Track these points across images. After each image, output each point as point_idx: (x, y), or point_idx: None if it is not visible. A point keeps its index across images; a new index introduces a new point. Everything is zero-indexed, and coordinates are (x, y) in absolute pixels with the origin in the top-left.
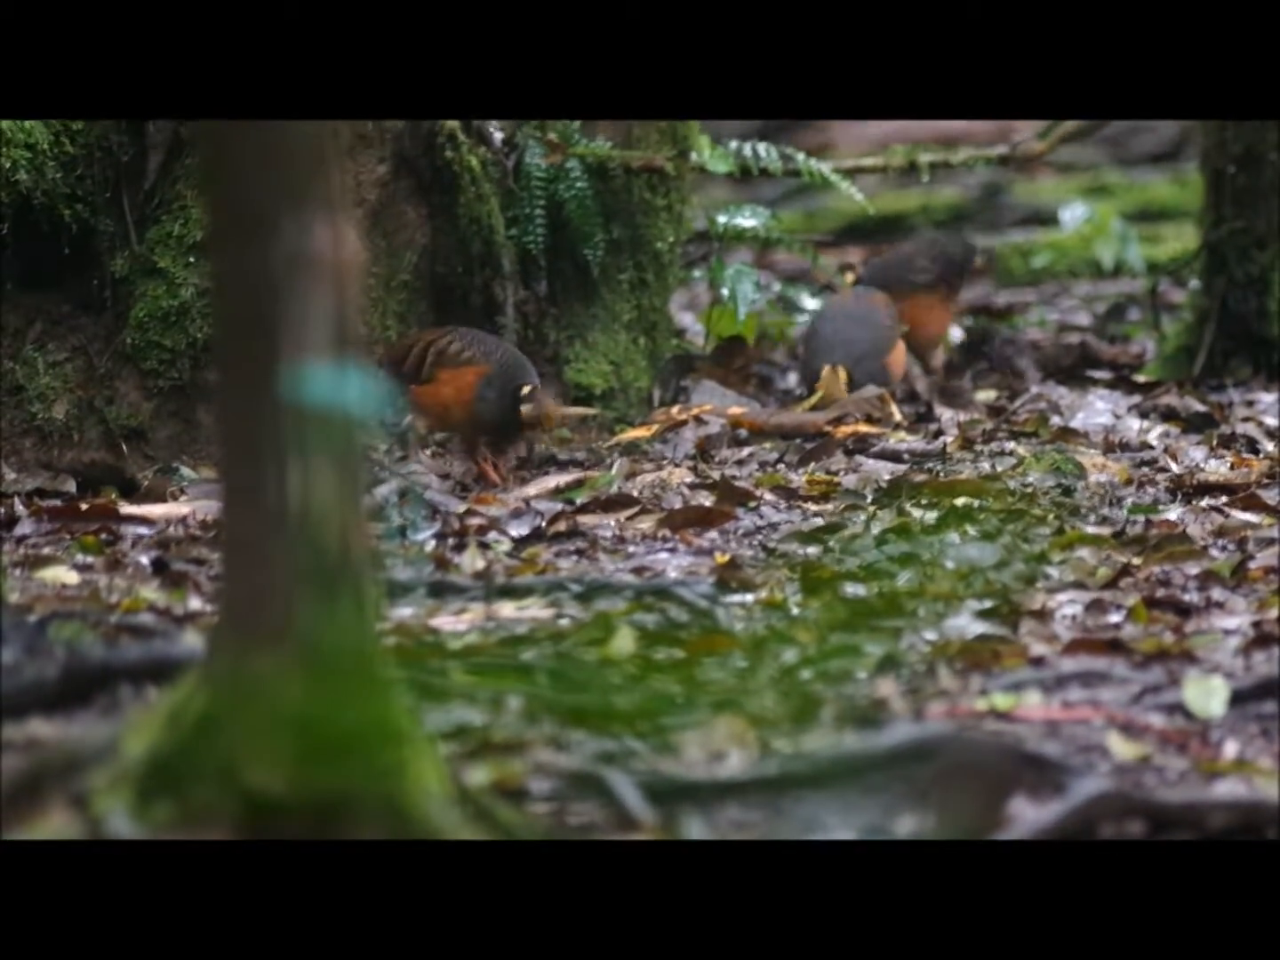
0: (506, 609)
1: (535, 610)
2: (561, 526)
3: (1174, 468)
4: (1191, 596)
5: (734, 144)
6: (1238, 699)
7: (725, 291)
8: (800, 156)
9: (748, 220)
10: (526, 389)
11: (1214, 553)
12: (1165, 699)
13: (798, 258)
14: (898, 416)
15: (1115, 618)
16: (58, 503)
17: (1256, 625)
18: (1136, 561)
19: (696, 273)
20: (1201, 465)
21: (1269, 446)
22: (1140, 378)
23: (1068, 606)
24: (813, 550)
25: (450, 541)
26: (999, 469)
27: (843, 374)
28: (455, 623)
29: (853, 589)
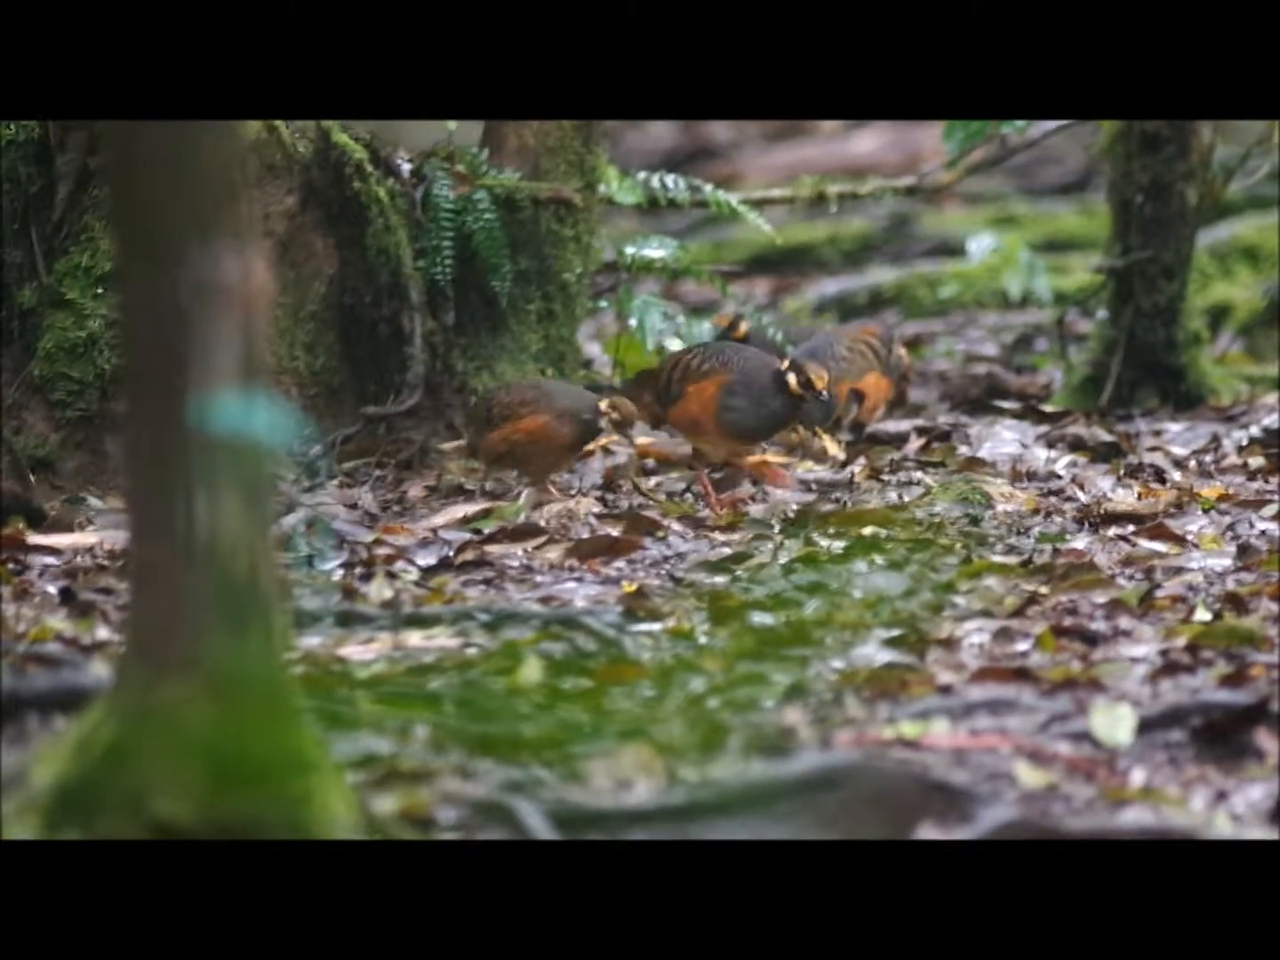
0: (414, 638)
1: (443, 639)
2: (469, 556)
3: (1081, 497)
4: (1099, 625)
5: (642, 175)
6: (1145, 727)
7: (633, 322)
8: (708, 188)
9: (655, 251)
10: (784, 365)
11: (1121, 581)
12: (1072, 727)
13: (706, 288)
14: (833, 450)
15: (1022, 646)
16: None
17: (1164, 654)
18: (1044, 590)
19: (604, 303)
20: (1109, 495)
21: (1176, 476)
22: (1047, 408)
23: (975, 635)
24: (720, 579)
25: (358, 571)
26: (906, 499)
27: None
28: (363, 652)
29: (760, 618)
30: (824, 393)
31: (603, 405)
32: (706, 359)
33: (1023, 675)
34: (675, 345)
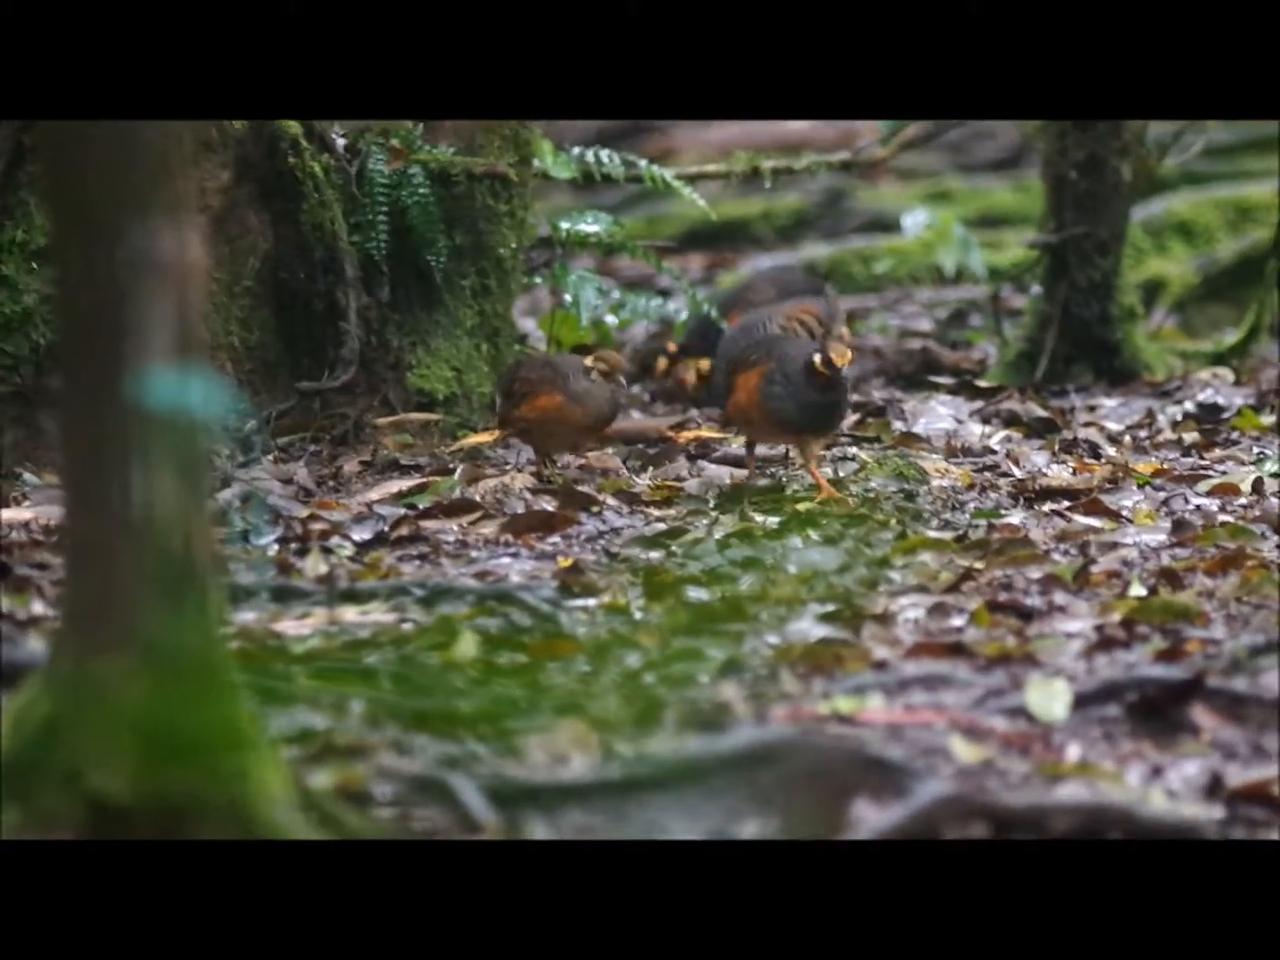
0: (349, 613)
1: (378, 614)
2: (404, 531)
3: (1016, 473)
4: (1034, 600)
5: (576, 150)
6: (1080, 702)
7: (568, 297)
8: (643, 163)
9: (590, 226)
10: (816, 357)
11: (1056, 557)
12: (1007, 702)
13: (640, 264)
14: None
15: (957, 621)
16: None
17: (1099, 629)
18: (979, 566)
19: (539, 279)
20: (1043, 470)
21: (1110, 451)
22: (982, 383)
23: (910, 610)
24: (655, 555)
25: (293, 546)
26: (841, 474)
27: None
28: (298, 627)
29: (695, 593)
30: (843, 369)
31: (588, 361)
32: (754, 350)
33: (958, 650)
34: (610, 320)
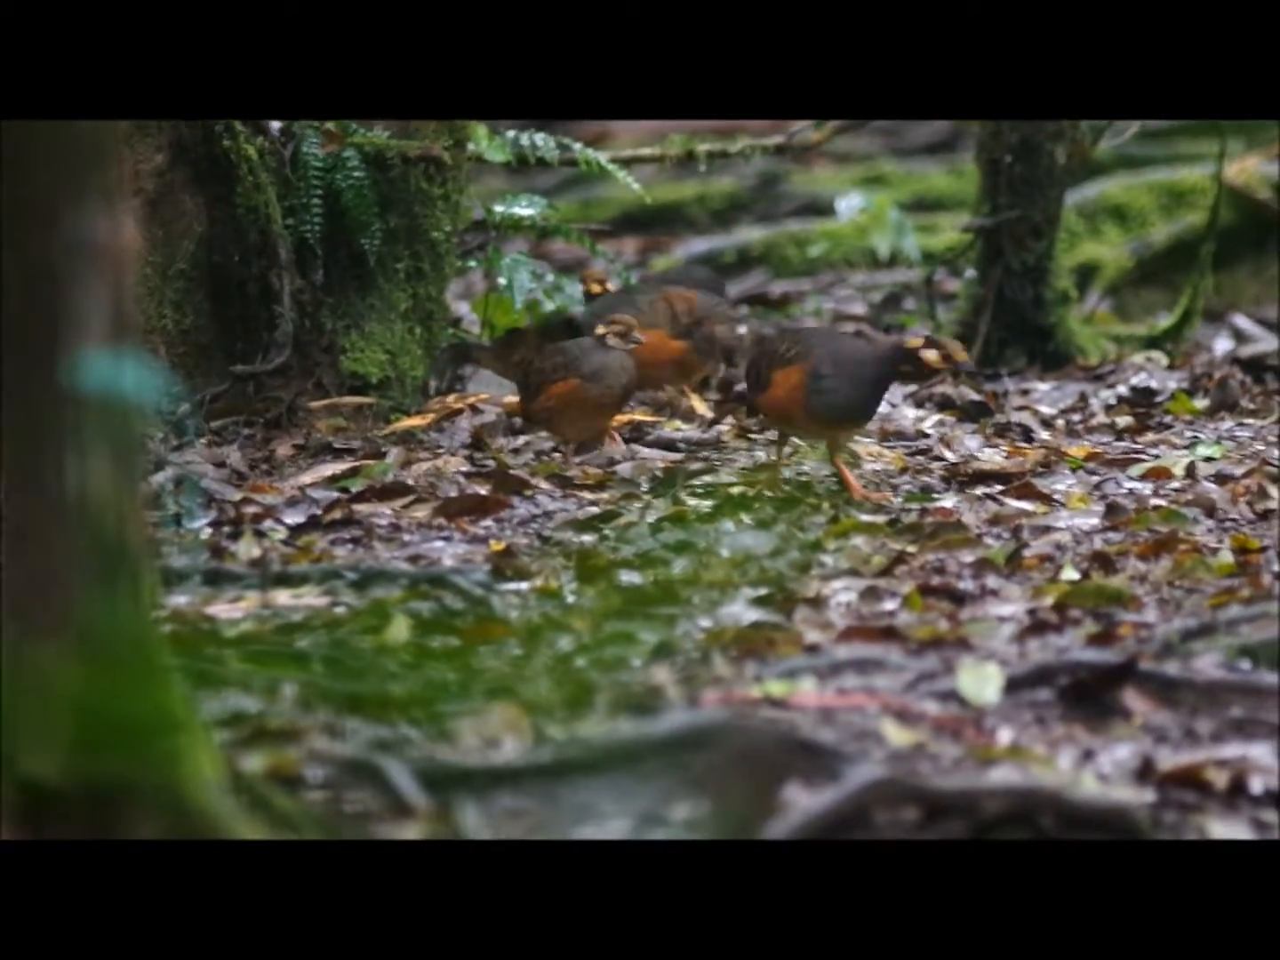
0: (282, 596)
1: (311, 598)
2: (337, 515)
3: (949, 456)
4: (966, 584)
5: (511, 133)
6: (1012, 686)
7: (502, 281)
8: (577, 146)
9: (524, 210)
10: (916, 343)
11: (989, 541)
12: (939, 686)
13: (575, 247)
14: (701, 409)
15: (890, 605)
16: None
17: (1031, 613)
18: (911, 549)
19: (473, 262)
20: (976, 454)
21: (1044, 435)
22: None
23: (842, 594)
24: (588, 538)
25: (226, 529)
26: (775, 458)
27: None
28: (231, 610)
29: (628, 577)
30: (968, 363)
31: (600, 329)
32: (791, 345)
33: (890, 634)
34: (548, 306)
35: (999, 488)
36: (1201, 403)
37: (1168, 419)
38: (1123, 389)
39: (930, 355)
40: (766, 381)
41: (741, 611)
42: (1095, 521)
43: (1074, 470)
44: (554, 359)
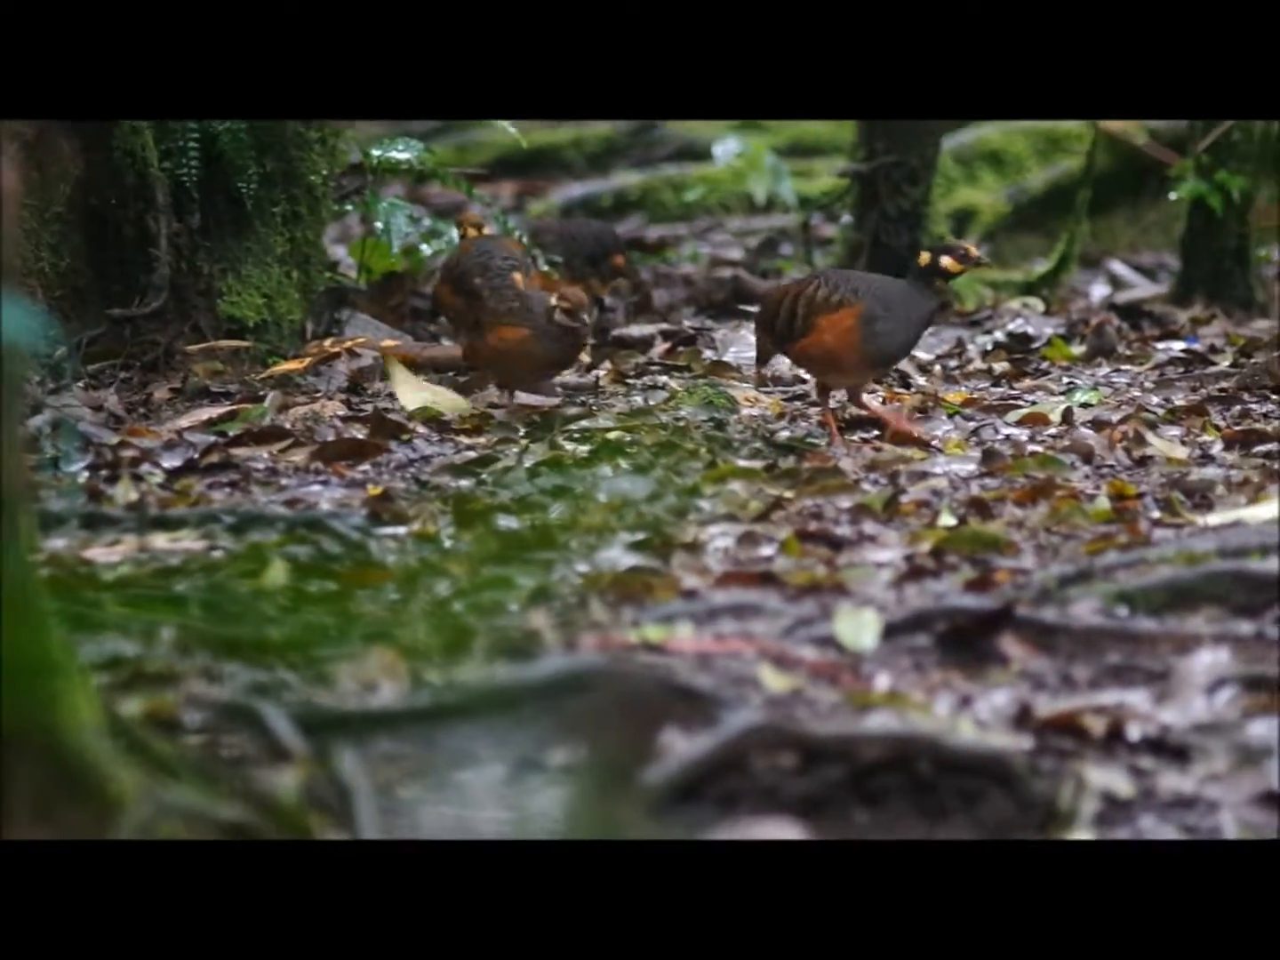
0: (159, 540)
1: (188, 542)
2: (214, 459)
3: None
4: (843, 530)
5: None
6: (889, 632)
7: (379, 225)
8: None
9: (401, 154)
10: (926, 258)
11: (866, 486)
12: (817, 631)
13: (451, 191)
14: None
15: (767, 550)
16: None
17: (908, 559)
18: (788, 495)
19: (350, 206)
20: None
21: (920, 381)
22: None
23: (719, 539)
24: (465, 483)
25: (103, 473)
26: (651, 403)
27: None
28: (108, 554)
29: (505, 521)
30: (983, 255)
31: (552, 299)
32: (835, 289)
33: (767, 579)
34: (425, 250)
35: (876, 433)
36: (1078, 348)
37: (1044, 365)
38: (999, 335)
39: (947, 261)
40: (808, 328)
41: (619, 556)
42: (972, 467)
43: (951, 416)
44: (510, 302)
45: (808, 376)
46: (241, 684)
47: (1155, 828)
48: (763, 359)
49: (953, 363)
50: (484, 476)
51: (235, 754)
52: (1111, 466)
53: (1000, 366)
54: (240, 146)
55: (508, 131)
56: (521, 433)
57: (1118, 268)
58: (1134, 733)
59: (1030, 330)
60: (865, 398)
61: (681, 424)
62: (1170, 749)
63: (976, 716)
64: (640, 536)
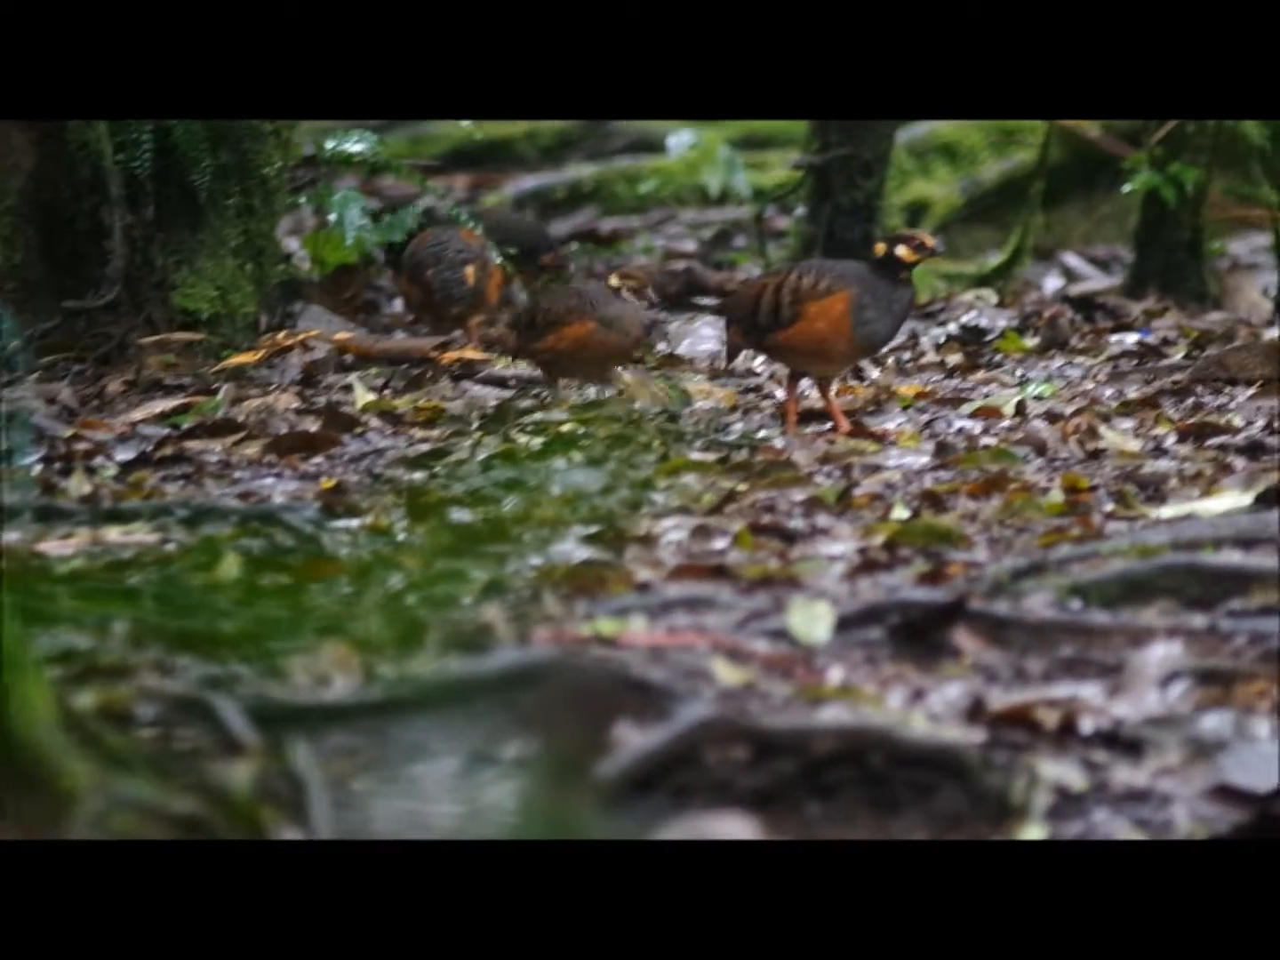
0: (112, 533)
1: (141, 535)
2: (167, 451)
3: (779, 394)
4: (796, 523)
5: None
6: (843, 625)
7: (332, 217)
8: None
9: (354, 146)
10: (881, 249)
11: (819, 479)
12: (770, 624)
13: (405, 183)
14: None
15: (720, 543)
16: None
17: (861, 551)
18: (742, 487)
19: (303, 198)
20: (806, 393)
21: (874, 373)
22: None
23: (673, 532)
24: (419, 476)
25: (56, 466)
26: (605, 395)
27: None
28: (61, 547)
29: (458, 514)
30: (939, 245)
31: (613, 280)
32: (820, 277)
33: (720, 573)
34: (372, 239)
35: (829, 426)
36: (1031, 341)
37: (998, 357)
38: (953, 327)
39: (903, 251)
40: (795, 315)
41: (572, 549)
42: (925, 460)
43: (904, 408)
44: (566, 301)
45: (773, 368)
46: (195, 677)
47: (1108, 821)
48: (733, 355)
49: (906, 355)
50: (437, 469)
51: (188, 747)
52: (1065, 459)
53: (953, 359)
54: (194, 139)
55: (461, 124)
56: (474, 426)
57: (1071, 260)
58: (1087, 726)
59: (983, 323)
60: (830, 393)
61: (635, 416)
62: (1123, 742)
63: (929, 710)
64: (593, 530)
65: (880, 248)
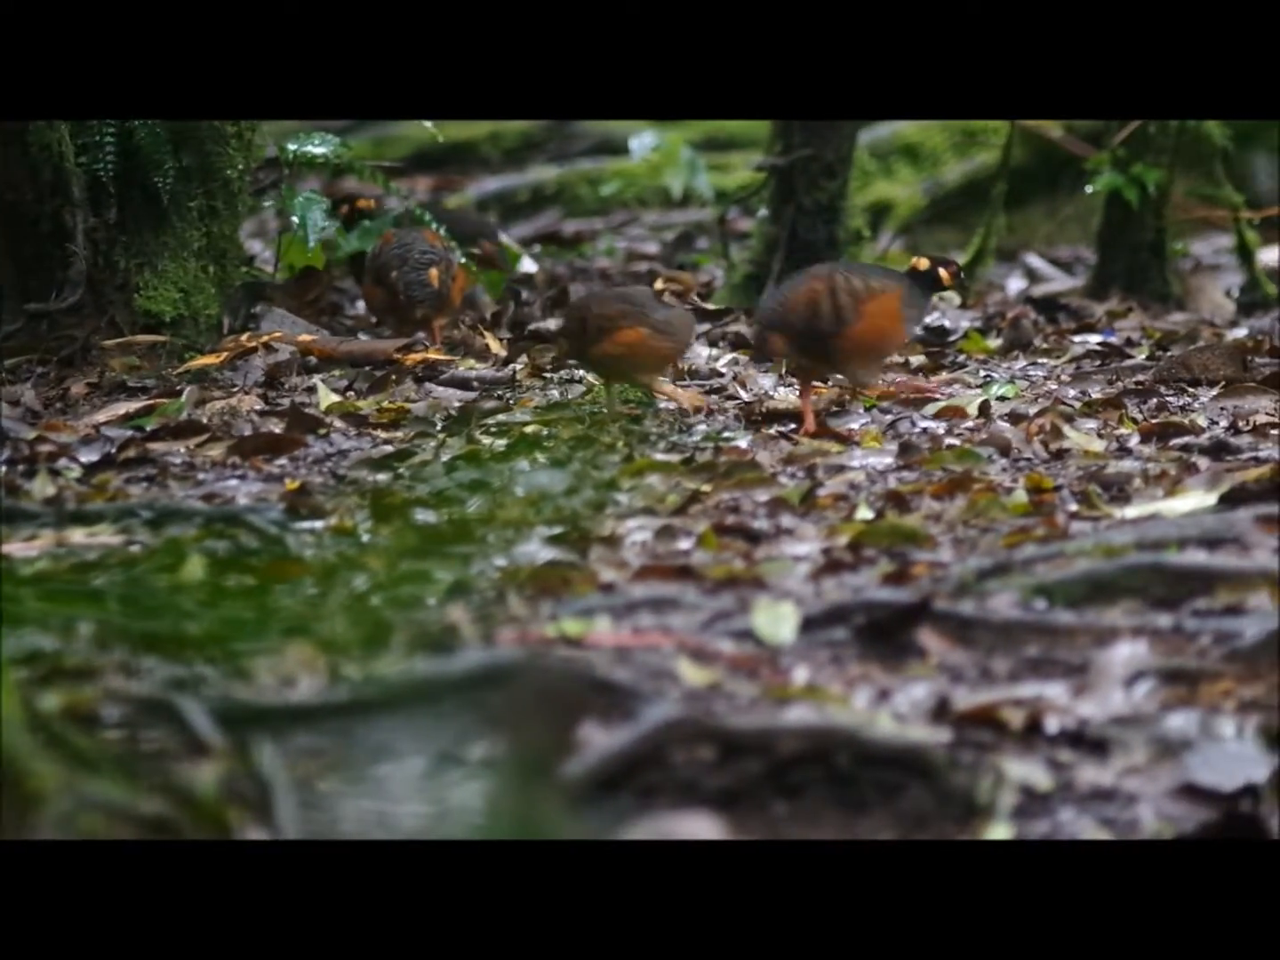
0: (77, 535)
1: (106, 536)
2: (132, 453)
3: (743, 395)
4: (761, 523)
5: None
6: (808, 625)
7: (295, 219)
8: None
9: (317, 148)
10: (924, 263)
11: (783, 480)
12: (735, 625)
13: (368, 185)
14: (495, 348)
15: (685, 544)
16: None
17: (826, 552)
18: (706, 488)
19: (266, 201)
20: (770, 393)
21: (838, 375)
22: (709, 305)
23: (637, 533)
24: (383, 477)
25: (20, 468)
26: (569, 396)
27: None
28: (26, 549)
29: (423, 516)
30: (963, 279)
31: (658, 284)
32: (870, 277)
33: (685, 573)
34: (351, 244)
35: (793, 426)
36: (995, 342)
37: (961, 358)
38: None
39: (943, 274)
40: (852, 316)
41: (536, 550)
42: (889, 460)
43: (868, 409)
44: (618, 306)
45: (735, 370)
46: (160, 679)
47: (1074, 820)
48: (768, 359)
49: None
50: (401, 471)
51: (154, 748)
52: (1029, 459)
53: (917, 360)
54: (157, 141)
55: (424, 126)
56: (439, 427)
57: (1034, 261)
58: (1052, 725)
59: (947, 323)
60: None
61: (599, 417)
62: (1088, 742)
63: (895, 709)
64: (558, 530)
65: (924, 262)
